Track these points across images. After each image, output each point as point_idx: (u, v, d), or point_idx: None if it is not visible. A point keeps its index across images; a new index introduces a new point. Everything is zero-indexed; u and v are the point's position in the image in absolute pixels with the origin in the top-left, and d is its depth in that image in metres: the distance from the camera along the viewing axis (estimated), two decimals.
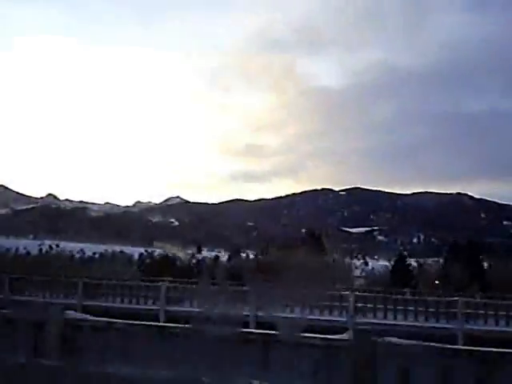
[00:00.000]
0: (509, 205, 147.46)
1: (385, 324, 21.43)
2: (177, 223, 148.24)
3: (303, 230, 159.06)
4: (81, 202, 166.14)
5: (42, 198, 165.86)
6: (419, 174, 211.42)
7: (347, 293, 23.79)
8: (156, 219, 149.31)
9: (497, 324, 21.84)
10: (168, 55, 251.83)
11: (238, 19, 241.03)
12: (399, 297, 24.51)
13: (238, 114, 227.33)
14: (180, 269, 47.51)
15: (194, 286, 26.62)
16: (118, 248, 77.82)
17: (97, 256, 73.35)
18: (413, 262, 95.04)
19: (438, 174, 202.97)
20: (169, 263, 50.03)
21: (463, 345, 19.45)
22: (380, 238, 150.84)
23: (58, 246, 79.03)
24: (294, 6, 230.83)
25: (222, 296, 23.32)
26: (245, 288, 26.00)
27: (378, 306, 22.51)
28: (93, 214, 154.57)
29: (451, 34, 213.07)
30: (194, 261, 60.21)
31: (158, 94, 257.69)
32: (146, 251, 77.90)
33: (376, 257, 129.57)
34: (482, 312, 21.83)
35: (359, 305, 22.67)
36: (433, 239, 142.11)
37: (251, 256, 67.04)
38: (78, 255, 75.78)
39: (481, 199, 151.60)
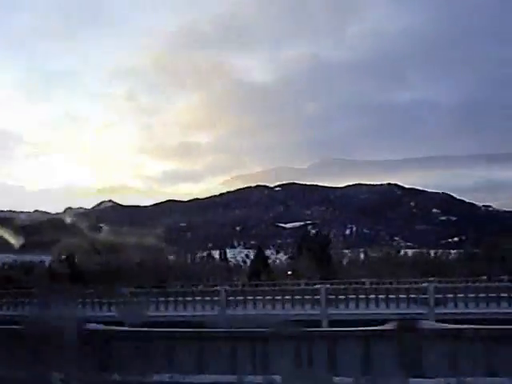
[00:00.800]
0: (437, 193, 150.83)
1: None
2: (106, 228, 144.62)
3: (237, 228, 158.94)
4: (9, 211, 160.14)
5: None
6: (352, 167, 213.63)
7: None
8: (85, 225, 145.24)
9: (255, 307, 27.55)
10: (91, 59, 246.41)
11: (161, 19, 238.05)
12: None
13: (167, 114, 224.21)
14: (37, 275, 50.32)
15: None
16: (29, 258, 74.90)
17: (5, 267, 70.80)
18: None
19: (370, 165, 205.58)
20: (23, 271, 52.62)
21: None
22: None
23: None
24: (219, 2, 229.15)
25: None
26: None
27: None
28: (19, 222, 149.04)
29: (378, 25, 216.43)
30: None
31: (86, 98, 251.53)
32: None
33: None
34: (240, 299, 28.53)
35: None
36: (365, 230, 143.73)
37: None
38: None
39: (410, 188, 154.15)
